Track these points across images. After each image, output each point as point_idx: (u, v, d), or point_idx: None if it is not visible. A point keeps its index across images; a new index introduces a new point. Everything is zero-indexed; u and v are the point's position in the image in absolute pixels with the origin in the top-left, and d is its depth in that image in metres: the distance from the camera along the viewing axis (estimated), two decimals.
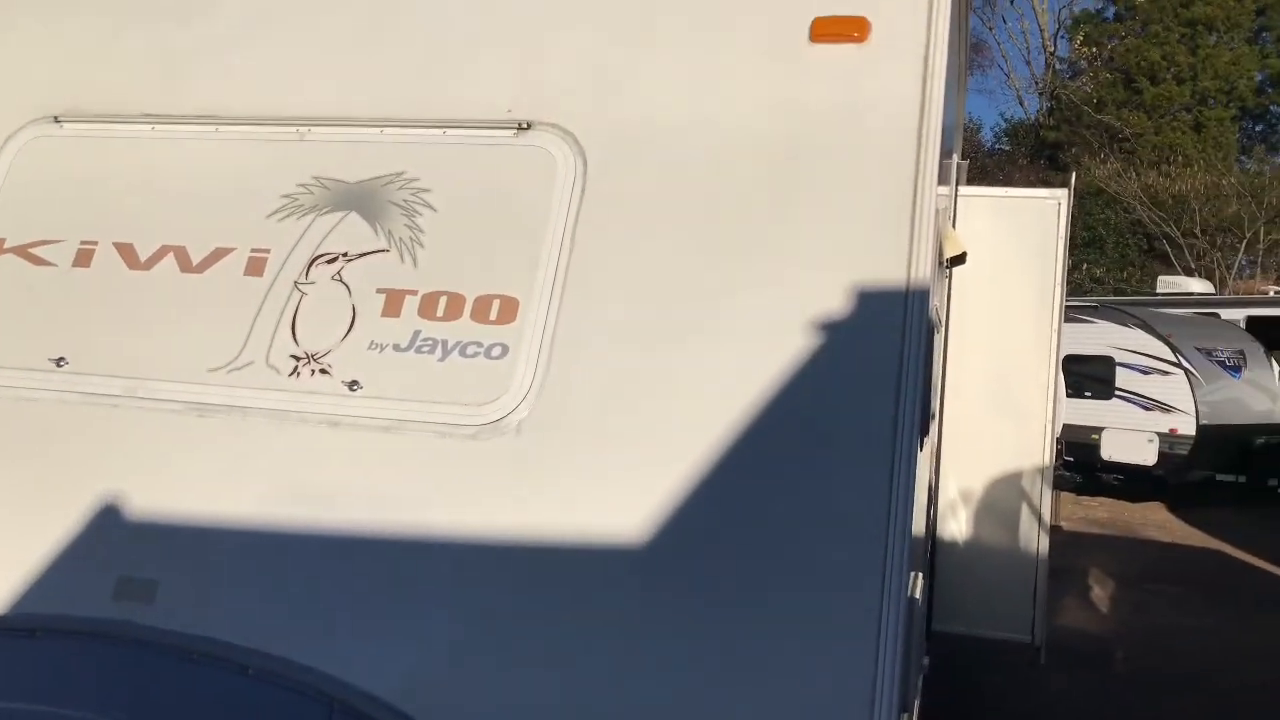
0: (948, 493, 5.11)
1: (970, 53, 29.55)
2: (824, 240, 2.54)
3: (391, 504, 2.51)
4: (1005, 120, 34.90)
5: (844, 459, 2.37)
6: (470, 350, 2.57)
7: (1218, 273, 25.37)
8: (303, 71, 2.96)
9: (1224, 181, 26.00)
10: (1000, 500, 5.14)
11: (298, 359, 2.65)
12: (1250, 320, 16.75)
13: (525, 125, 2.75)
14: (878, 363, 2.43)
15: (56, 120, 2.99)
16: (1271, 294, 19.80)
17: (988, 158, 30.63)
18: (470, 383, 2.54)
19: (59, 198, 2.92)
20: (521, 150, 2.74)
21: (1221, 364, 14.89)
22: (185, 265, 2.78)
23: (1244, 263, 25.96)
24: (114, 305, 2.79)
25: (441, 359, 2.57)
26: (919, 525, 3.27)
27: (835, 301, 2.48)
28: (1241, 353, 15.25)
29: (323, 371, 2.62)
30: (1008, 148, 32.69)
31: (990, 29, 35.28)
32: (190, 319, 2.74)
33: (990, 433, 5.09)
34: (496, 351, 2.56)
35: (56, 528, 2.62)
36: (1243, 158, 29.50)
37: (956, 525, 5.19)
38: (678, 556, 2.39)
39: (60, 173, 2.95)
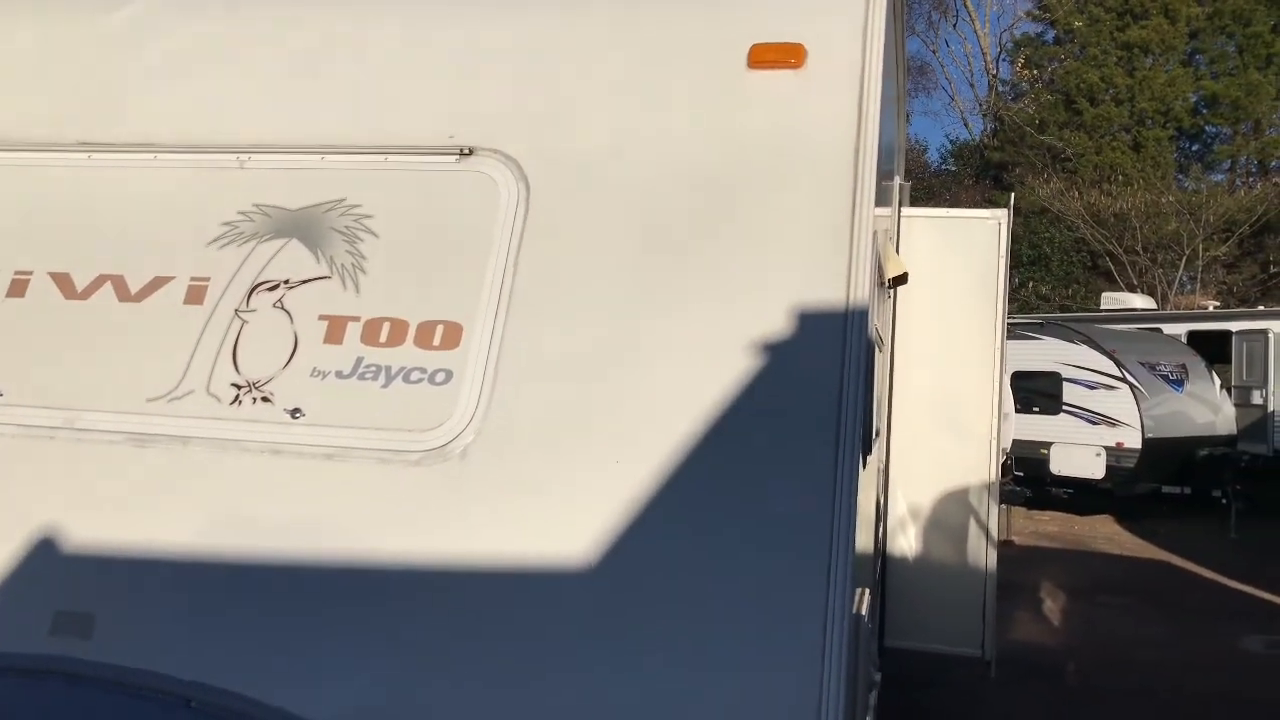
0: (897, 509, 5.17)
1: (915, 75, 29.93)
2: (764, 263, 2.58)
3: (335, 533, 2.49)
4: (951, 141, 35.63)
5: (786, 478, 2.40)
6: (414, 376, 2.56)
7: (1159, 288, 25.94)
8: (243, 99, 2.95)
9: (1163, 200, 26.63)
10: (948, 516, 5.20)
11: (239, 387, 2.62)
12: (1191, 335, 17.14)
13: (467, 151, 2.76)
14: (819, 383, 2.46)
15: None
16: (1211, 309, 20.28)
17: (934, 178, 31.12)
18: (414, 409, 2.53)
19: None
20: (464, 176, 2.75)
21: (1165, 378, 15.21)
22: (123, 294, 2.75)
23: (1184, 278, 26.56)
24: (51, 336, 2.75)
25: (385, 385, 2.56)
26: (865, 542, 3.31)
27: (776, 323, 2.51)
28: (1184, 367, 15.60)
29: (264, 399, 2.60)
30: (953, 168, 33.24)
31: (934, 52, 36.04)
32: (129, 349, 2.71)
33: (937, 449, 5.16)
34: (440, 377, 2.55)
35: None
36: (1180, 176, 30.22)
37: (906, 541, 5.24)
38: (624, 580, 2.39)
39: None
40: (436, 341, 2.58)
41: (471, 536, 2.45)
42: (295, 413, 2.58)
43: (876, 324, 3.14)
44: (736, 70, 2.74)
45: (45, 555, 2.56)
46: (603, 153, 2.73)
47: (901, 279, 3.98)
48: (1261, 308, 19.49)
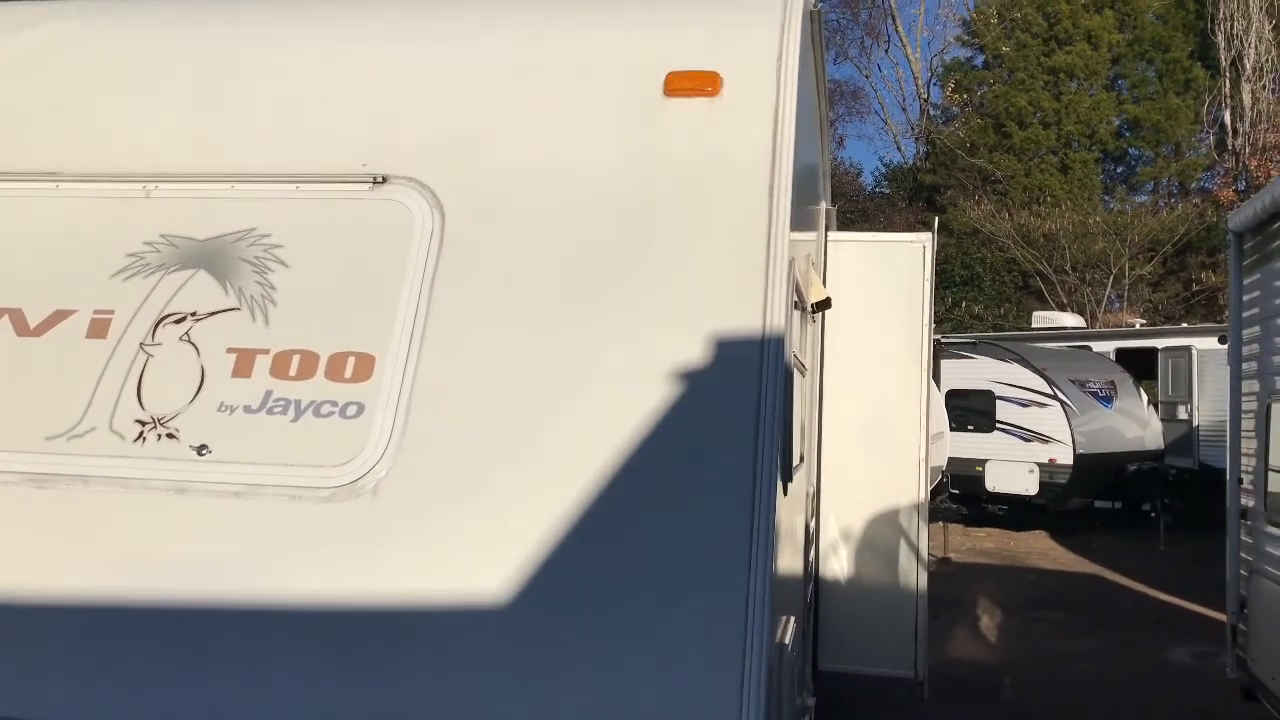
0: (829, 533, 5.17)
1: (849, 100, 30.30)
2: (679, 290, 2.57)
3: (243, 572, 2.42)
4: (884, 165, 36.13)
5: (703, 508, 2.38)
6: (325, 410, 2.51)
7: (1088, 307, 26.54)
8: (149, 127, 2.88)
9: (1090, 220, 27.29)
10: (879, 538, 5.22)
11: (143, 424, 2.55)
12: (1119, 352, 17.56)
13: (381, 179, 2.72)
14: (735, 409, 2.46)
15: None
16: (1138, 326, 20.79)
17: (869, 201, 31.56)
18: (325, 443, 2.48)
19: None
20: (377, 204, 2.71)
21: (1094, 395, 15.54)
22: (22, 329, 2.66)
23: (1112, 297, 27.21)
24: None
25: (295, 419, 2.50)
26: (791, 568, 3.30)
27: (693, 350, 2.50)
28: (1112, 383, 15.96)
29: (170, 436, 2.53)
30: (888, 191, 33.77)
31: (867, 77, 36.68)
32: (28, 385, 2.61)
33: (868, 471, 5.18)
34: (352, 410, 2.50)
35: None
36: (1106, 197, 31.00)
37: (839, 564, 5.26)
38: (539, 615, 2.35)
39: None
40: (348, 374, 2.53)
41: (384, 573, 2.39)
42: (202, 449, 2.50)
43: (796, 349, 3.15)
44: (653, 98, 2.74)
45: None
46: (519, 180, 2.71)
47: (825, 304, 4.00)
48: (1185, 325, 20.04)
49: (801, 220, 3.42)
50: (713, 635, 2.30)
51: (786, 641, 2.83)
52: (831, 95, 31.91)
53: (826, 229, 5.12)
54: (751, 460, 2.40)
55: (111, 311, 2.65)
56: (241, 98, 2.88)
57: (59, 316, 2.65)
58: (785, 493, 2.81)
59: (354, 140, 2.78)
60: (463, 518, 2.43)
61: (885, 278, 5.24)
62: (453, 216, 2.67)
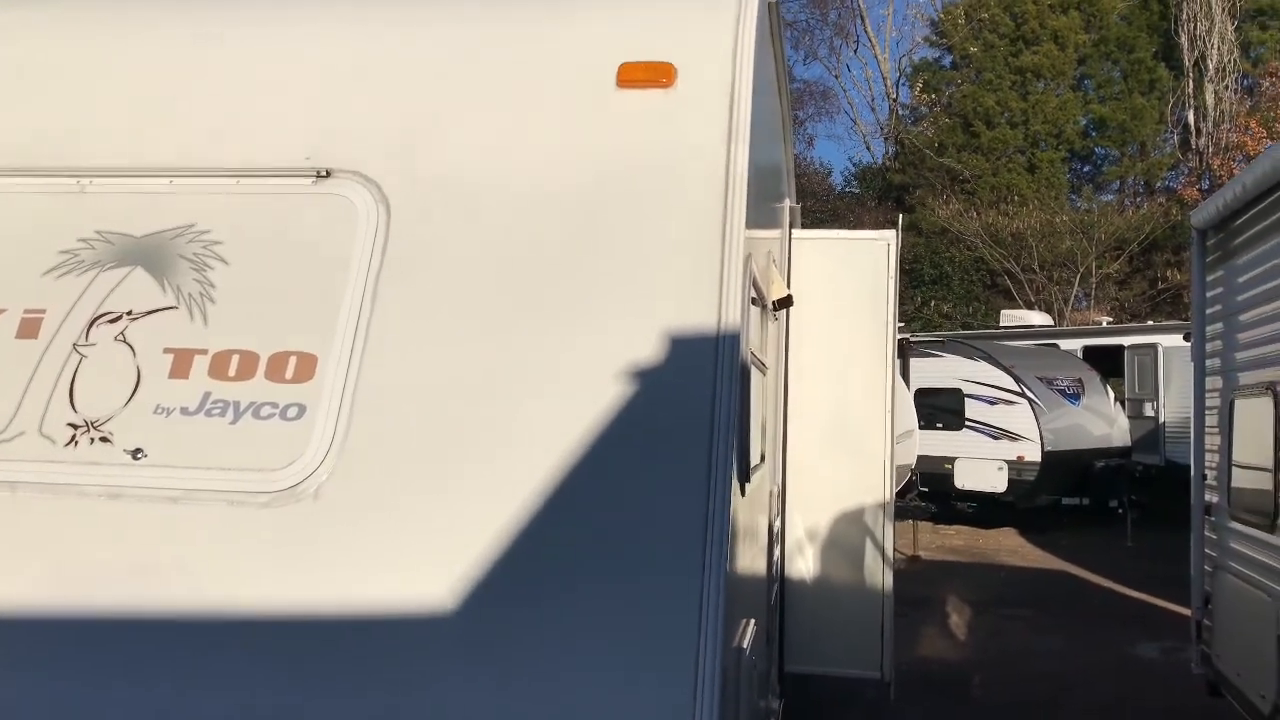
0: (794, 533, 5.13)
1: (818, 100, 30.35)
2: (632, 287, 2.50)
3: (180, 581, 2.33)
4: (854, 164, 36.20)
5: (655, 510, 2.32)
6: (265, 411, 2.42)
7: (1056, 305, 26.73)
8: (85, 119, 2.78)
9: (1057, 219, 27.49)
10: (846, 537, 5.18)
11: (76, 427, 2.45)
12: (1086, 350, 17.69)
13: (324, 173, 2.64)
14: (689, 408, 2.39)
15: None
16: (1105, 324, 20.95)
17: (839, 200, 31.62)
18: (265, 446, 2.39)
19: None
20: (320, 199, 2.62)
21: (1062, 392, 15.64)
22: None
23: (1079, 295, 27.42)
24: None
25: (234, 422, 2.42)
26: (753, 569, 3.24)
27: (645, 349, 2.44)
28: (1080, 381, 16.07)
29: (103, 440, 2.43)
30: (857, 190, 33.85)
31: (836, 77, 36.65)
32: None
33: (833, 470, 5.14)
34: (293, 412, 2.42)
35: None
36: (1073, 196, 31.25)
37: (804, 564, 5.21)
38: (487, 621, 2.28)
39: None
40: (289, 374, 2.44)
41: (325, 580, 2.31)
42: (137, 453, 2.41)
43: (755, 347, 3.09)
44: (605, 89, 2.67)
45: None
46: (467, 173, 2.64)
47: (786, 301, 3.95)
48: (1151, 323, 20.21)
49: (760, 216, 3.36)
50: (664, 640, 2.24)
51: (745, 645, 2.77)
52: (800, 95, 32.07)
53: (790, 227, 5.07)
54: (706, 460, 2.34)
55: (43, 311, 2.55)
56: (181, 90, 2.79)
57: None
58: (744, 493, 2.75)
59: (297, 133, 2.70)
60: (407, 522, 2.35)
61: (850, 275, 5.20)
62: (399, 212, 2.60)
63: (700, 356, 2.41)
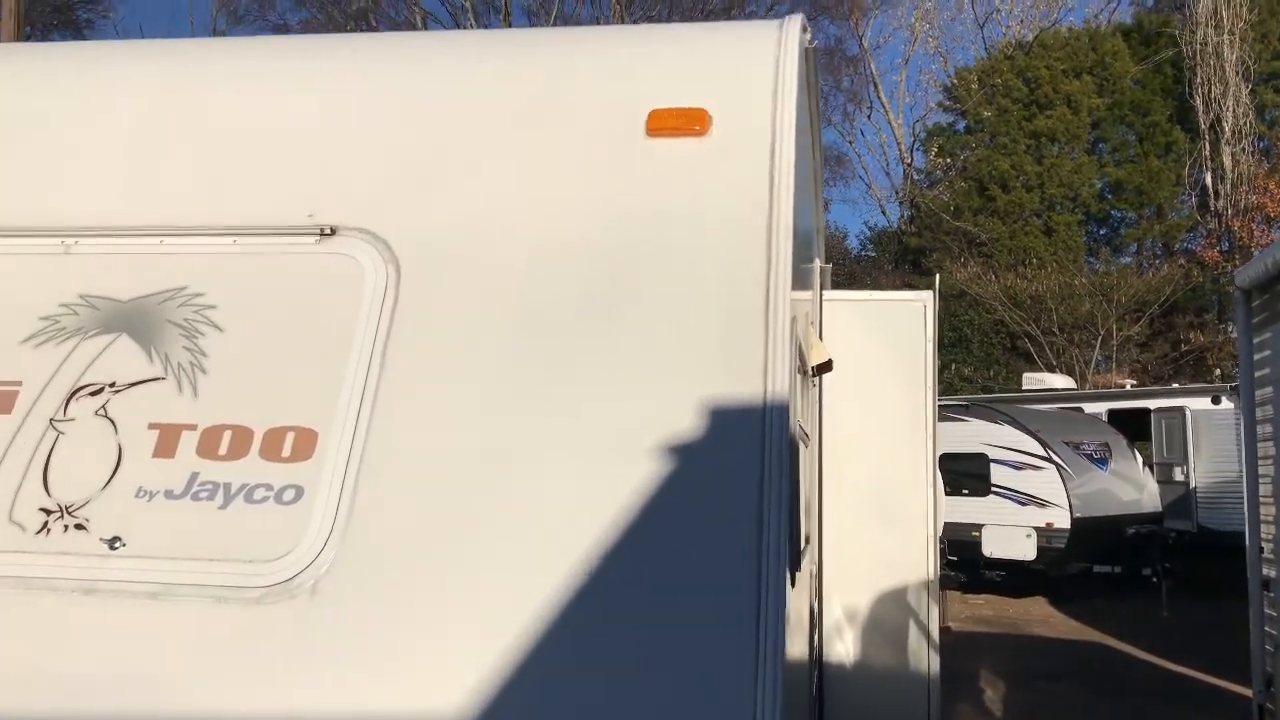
0: (832, 614, 4.82)
1: (833, 165, 30.45)
2: (667, 353, 2.25)
3: (156, 689, 2.05)
4: (869, 228, 36.24)
5: (699, 608, 2.04)
6: (258, 494, 2.16)
7: (1077, 368, 26.36)
8: (70, 175, 2.57)
9: (1076, 282, 27.26)
10: (886, 616, 4.87)
11: (49, 512, 2.20)
12: (1111, 413, 17.31)
13: (329, 231, 2.41)
14: (735, 486, 2.13)
15: None
16: (1129, 387, 20.59)
17: (855, 264, 31.52)
18: (257, 534, 2.13)
19: None
20: (324, 259, 2.39)
21: (1089, 457, 15.25)
22: None
23: (1100, 358, 27.06)
24: None
25: (223, 506, 2.16)
26: (796, 659, 2.94)
27: (682, 421, 2.18)
28: (1106, 445, 15.68)
29: (78, 527, 2.18)
30: (873, 254, 33.75)
31: (850, 142, 36.79)
32: None
33: (872, 544, 4.85)
34: (290, 495, 2.16)
35: None
36: (1091, 259, 31.07)
37: (843, 647, 4.89)
38: None
39: None
40: (286, 452, 2.19)
41: (323, 689, 2.03)
42: (114, 542, 2.15)
43: (800, 418, 2.83)
44: (633, 137, 2.45)
45: None
46: (483, 230, 2.41)
47: (826, 366, 3.70)
48: (1177, 385, 19.85)
49: (800, 275, 3.12)
50: None
51: None
52: None
53: (822, 288, 4.84)
54: (755, 548, 2.07)
55: (19, 383, 2.32)
56: (174, 145, 2.58)
57: None
58: (793, 583, 2.47)
59: (299, 188, 2.48)
60: (415, 621, 2.07)
61: (885, 338, 4.96)
62: (409, 271, 2.36)
63: (746, 430, 2.15)
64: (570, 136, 2.49)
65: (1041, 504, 14.59)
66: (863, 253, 34.18)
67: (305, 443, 2.20)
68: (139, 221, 2.47)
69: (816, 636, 4.29)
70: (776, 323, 2.26)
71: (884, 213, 35.91)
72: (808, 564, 3.49)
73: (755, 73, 2.54)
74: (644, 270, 2.35)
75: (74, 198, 2.52)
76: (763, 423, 2.17)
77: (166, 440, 2.23)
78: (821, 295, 4.85)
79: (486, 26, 28.46)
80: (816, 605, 4.29)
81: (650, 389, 2.22)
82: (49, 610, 2.12)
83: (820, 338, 4.72)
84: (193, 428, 2.23)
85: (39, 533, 2.18)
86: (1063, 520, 14.38)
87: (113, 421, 2.26)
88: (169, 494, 2.18)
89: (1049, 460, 14.57)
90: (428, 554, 2.13)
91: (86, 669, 2.10)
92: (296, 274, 2.39)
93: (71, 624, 2.12)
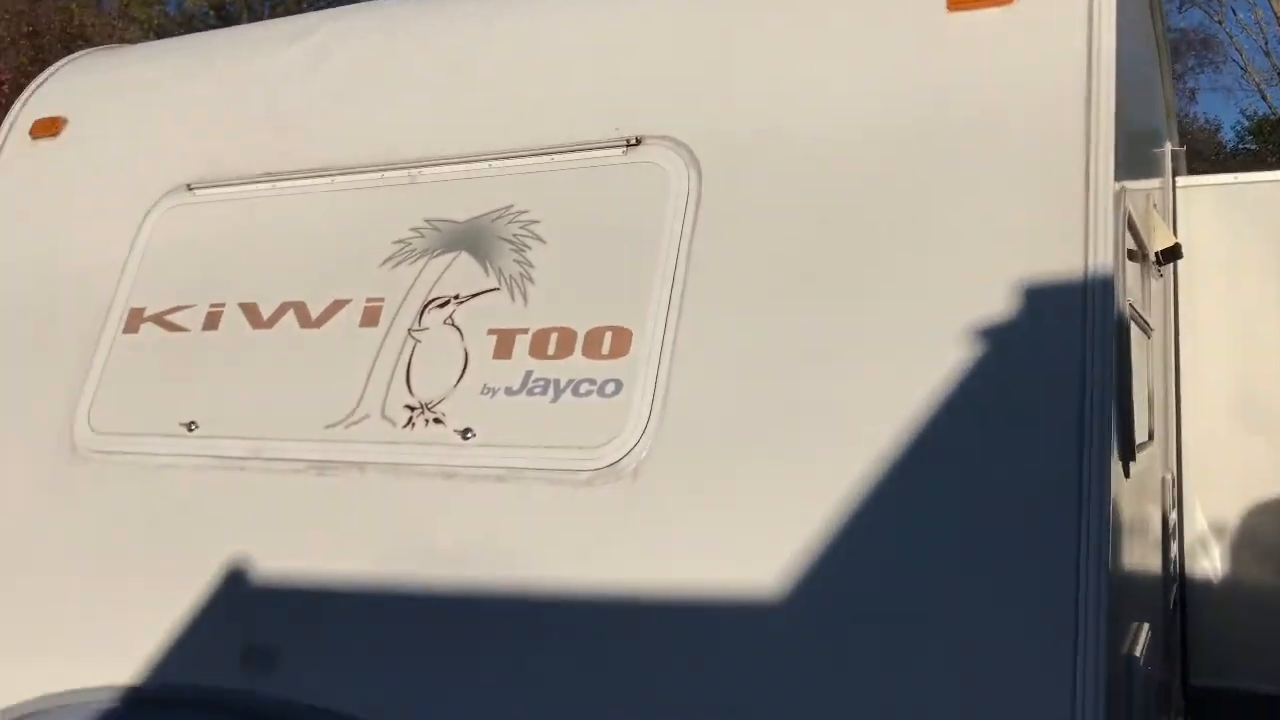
0: (1195, 526, 4.42)
1: (1199, 49, 26.98)
2: (977, 235, 2.17)
3: (508, 560, 2.31)
4: (1247, 118, 31.84)
5: (1016, 497, 1.98)
6: (583, 389, 2.34)
7: None
8: (409, 114, 2.87)
9: None
10: (1260, 531, 4.39)
11: (412, 409, 2.51)
12: None
13: (635, 141, 2.53)
14: (1053, 376, 2.04)
15: (189, 188, 3.02)
16: None
17: (1232, 159, 27.97)
18: (584, 424, 2.31)
19: (191, 263, 2.95)
20: (631, 168, 2.52)
21: None
22: (305, 320, 2.71)
23: None
24: (239, 366, 2.75)
25: (554, 400, 2.36)
26: (1138, 566, 2.76)
27: (993, 304, 2.10)
28: None
29: (436, 421, 2.47)
30: (1254, 147, 29.75)
31: (1219, 22, 32.42)
32: (309, 375, 2.66)
33: (1241, 453, 4.37)
34: (610, 388, 2.32)
35: (189, 594, 2.57)
36: None
37: (1210, 564, 4.47)
38: (821, 611, 2.06)
39: (192, 238, 2.97)
40: (605, 349, 2.35)
41: (648, 562, 2.19)
42: (466, 433, 2.42)
43: (1133, 302, 2.61)
44: (934, 13, 2.35)
45: (234, 587, 2.54)
46: (782, 124, 2.42)
47: (1173, 252, 3.35)
48: None
49: (1135, 155, 2.86)
50: (1035, 646, 1.91)
51: (1138, 653, 2.33)
52: (1177, 46, 28.61)
53: (1174, 173, 4.39)
54: (1077, 431, 1.97)
55: (382, 299, 2.64)
56: (492, 76, 2.80)
57: (336, 307, 2.68)
58: (1127, 474, 2.32)
59: (605, 103, 2.61)
60: (731, 501, 2.17)
61: (1253, 225, 4.41)
62: (710, 173, 2.43)
63: (1065, 312, 2.04)
64: (865, 18, 2.43)
65: None
66: (1241, 146, 30.25)
67: (621, 340, 2.34)
68: (470, 149, 2.72)
69: (1175, 550, 3.96)
70: (1099, 197, 2.11)
71: (1264, 98, 31.43)
72: (1155, 464, 3.23)
73: None
74: (949, 154, 2.26)
75: (414, 133, 2.81)
76: (1084, 303, 2.04)
77: (503, 344, 2.46)
78: (1174, 181, 4.40)
79: None
80: (1175, 516, 3.97)
81: (957, 276, 2.16)
82: (418, 492, 2.44)
83: (1174, 227, 4.29)
84: (525, 331, 2.45)
85: (405, 426, 2.50)
86: None
87: (459, 329, 2.53)
88: (508, 390, 2.41)
89: None
90: (738, 439, 2.21)
91: (449, 543, 2.39)
92: (606, 184, 2.54)
93: (436, 504, 2.42)
